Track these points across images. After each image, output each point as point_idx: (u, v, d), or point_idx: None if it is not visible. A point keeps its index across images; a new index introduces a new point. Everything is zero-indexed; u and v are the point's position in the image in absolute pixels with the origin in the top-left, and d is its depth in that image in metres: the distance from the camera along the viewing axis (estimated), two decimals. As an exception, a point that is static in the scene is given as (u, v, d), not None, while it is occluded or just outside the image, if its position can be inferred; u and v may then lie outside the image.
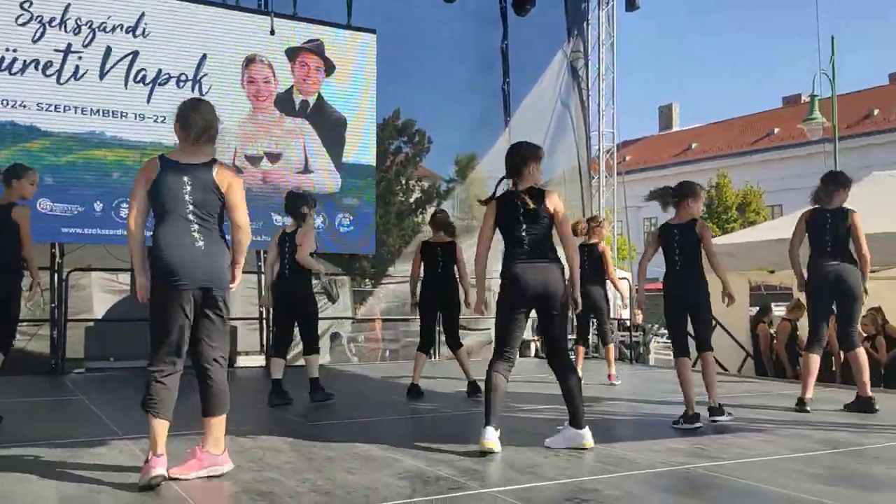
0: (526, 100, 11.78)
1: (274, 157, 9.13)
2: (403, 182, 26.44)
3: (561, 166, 11.91)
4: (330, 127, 9.48)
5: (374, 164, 10.13)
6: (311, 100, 9.38)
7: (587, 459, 3.92)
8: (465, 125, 12.37)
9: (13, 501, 3.01)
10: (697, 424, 4.76)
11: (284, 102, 9.22)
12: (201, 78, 8.63)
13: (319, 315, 6.28)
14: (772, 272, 10.39)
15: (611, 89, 11.91)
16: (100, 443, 4.09)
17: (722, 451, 4.14)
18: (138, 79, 8.31)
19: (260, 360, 9.00)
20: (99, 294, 9.71)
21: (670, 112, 42.78)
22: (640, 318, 4.49)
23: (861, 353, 5.60)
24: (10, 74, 7.70)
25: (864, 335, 8.06)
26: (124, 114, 8.21)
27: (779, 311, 11.49)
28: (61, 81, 7.93)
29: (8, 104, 7.68)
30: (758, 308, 10.75)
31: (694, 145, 37.48)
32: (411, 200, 26.92)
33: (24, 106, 7.75)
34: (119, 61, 8.21)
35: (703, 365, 5.06)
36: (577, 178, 12.00)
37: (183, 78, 8.54)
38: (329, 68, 9.46)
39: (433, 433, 4.88)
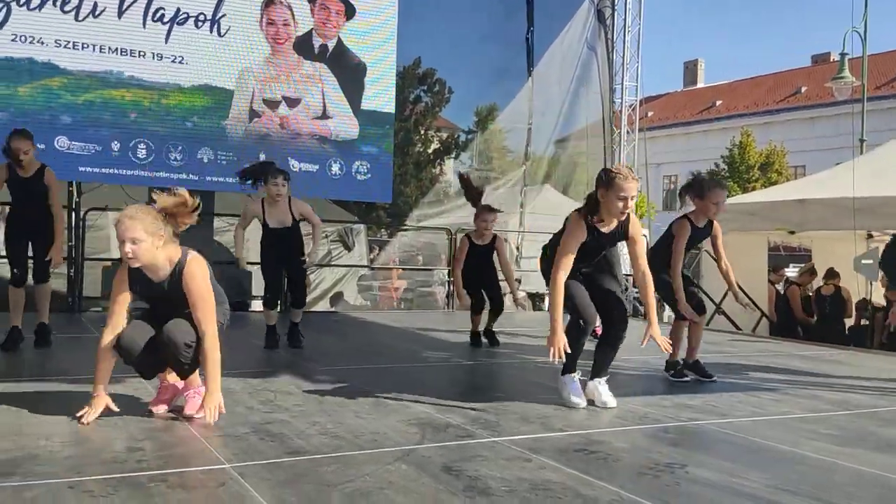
0: (550, 49, 11.56)
1: (292, 102, 9.04)
2: (422, 132, 26.28)
3: (584, 119, 11.74)
4: (349, 72, 9.36)
5: (394, 112, 10.02)
6: (331, 44, 9.24)
7: (598, 412, 3.92)
8: (486, 75, 12.20)
9: (30, 434, 3.05)
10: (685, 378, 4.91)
11: (303, 46, 9.09)
12: (220, 18, 8.52)
13: (335, 263, 6.25)
14: (792, 233, 10.28)
15: (636, 42, 11.66)
16: (114, 379, 4.12)
17: (733, 409, 4.13)
18: (156, 17, 8.21)
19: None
20: (115, 233, 9.77)
21: (695, 68, 41.96)
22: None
23: None
24: (29, 10, 7.62)
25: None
26: (142, 53, 8.14)
27: (793, 273, 11.41)
28: (79, 18, 7.84)
29: (26, 40, 7.62)
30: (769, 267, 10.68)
31: (718, 103, 36.83)
32: (429, 151, 26.78)
33: (43, 42, 7.69)
34: (137, -1, 8.11)
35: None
36: (600, 132, 11.83)
37: (202, 18, 8.43)
38: (350, 12, 9.30)
39: (445, 382, 4.90)
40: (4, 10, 7.55)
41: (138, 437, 3.12)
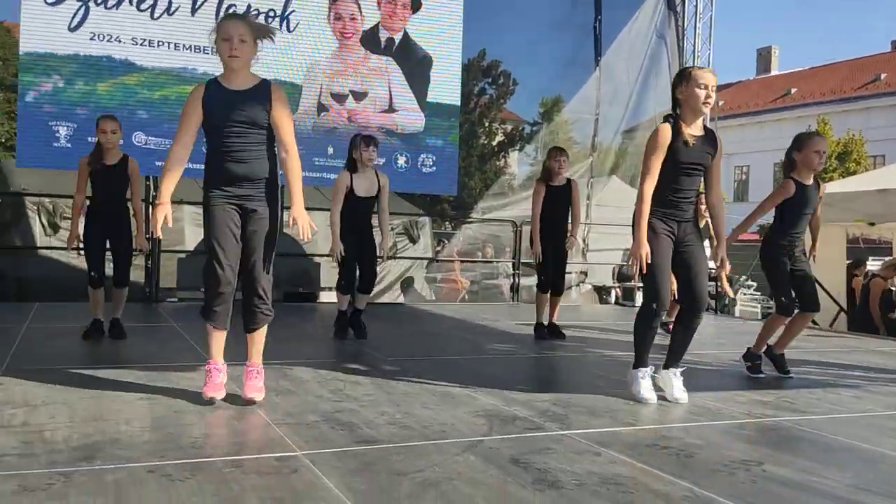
0: (618, 37, 11.36)
1: (359, 96, 9.13)
2: (486, 124, 26.21)
3: (653, 109, 11.50)
4: (415, 65, 9.39)
5: (459, 105, 10.02)
6: (397, 37, 9.29)
7: (669, 407, 3.85)
8: (552, 66, 12.07)
9: (109, 419, 3.16)
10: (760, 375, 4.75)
11: (370, 40, 9.16)
12: (289, 14, 8.66)
13: (400, 255, 6.32)
14: (872, 224, 9.91)
15: (708, 29, 11.37)
16: (189, 367, 4.26)
17: (810, 406, 4.00)
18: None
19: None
20: (190, 227, 10.05)
21: (769, 55, 40.72)
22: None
23: None
24: (106, 8, 7.88)
25: None
26: (215, 49, 8.31)
27: (875, 266, 10.97)
28: (155, 16, 8.08)
29: (104, 38, 7.88)
30: (851, 261, 10.31)
31: (793, 90, 35.66)
32: (494, 143, 26.71)
33: (120, 41, 7.95)
34: (210, -3, 8.30)
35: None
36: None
37: (271, 14, 8.58)
38: (416, 5, 9.33)
39: (511, 374, 4.88)
40: (83, 9, 7.82)
41: (214, 423, 3.20)
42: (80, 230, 5.33)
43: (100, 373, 4.10)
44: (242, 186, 3.50)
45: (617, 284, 11.86)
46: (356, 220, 5.78)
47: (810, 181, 4.70)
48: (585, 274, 11.52)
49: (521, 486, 2.52)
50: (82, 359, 4.64)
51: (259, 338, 3.65)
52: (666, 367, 4.01)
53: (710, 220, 4.16)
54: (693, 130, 3.82)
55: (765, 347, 4.88)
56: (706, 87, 3.71)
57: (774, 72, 39.85)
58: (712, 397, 4.07)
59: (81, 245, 5.30)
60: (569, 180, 6.30)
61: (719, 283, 9.22)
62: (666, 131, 3.79)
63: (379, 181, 5.84)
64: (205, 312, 3.56)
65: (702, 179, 3.98)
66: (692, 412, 3.74)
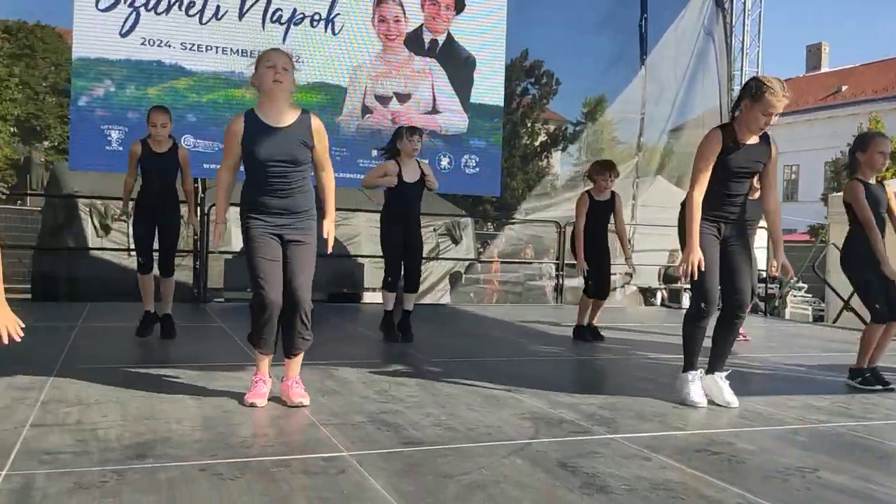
0: (665, 36, 11.20)
1: (403, 98, 9.16)
2: (529, 125, 26.08)
3: (700, 107, 11.33)
4: (458, 66, 9.39)
5: (503, 105, 9.99)
6: (441, 39, 9.30)
7: (719, 411, 3.78)
8: (596, 65, 11.97)
9: (160, 418, 3.21)
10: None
11: (414, 41, 9.19)
12: (334, 17, 8.72)
13: (443, 256, 6.32)
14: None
15: (756, 25, 11.16)
16: (237, 367, 4.31)
17: (866, 411, 3.89)
18: (274, 18, 8.49)
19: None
20: (237, 229, 10.19)
21: (819, 52, 39.79)
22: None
23: None
24: (157, 14, 8.04)
25: None
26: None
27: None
28: (203, 21, 8.21)
29: (154, 43, 8.04)
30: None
31: (844, 88, 34.81)
32: (536, 144, 26.57)
33: (170, 46, 8.09)
34: (256, 1, 8.41)
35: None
36: (717, 120, 11.38)
37: (317, 17, 8.66)
38: (459, 6, 9.33)
39: (556, 377, 4.85)
40: (134, 15, 7.98)
41: (262, 423, 3.24)
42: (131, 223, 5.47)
43: (150, 372, 4.18)
44: (282, 217, 3.54)
45: (663, 286, 11.71)
46: (403, 207, 5.80)
47: (873, 181, 4.58)
48: (631, 275, 11.38)
49: (570, 490, 2.49)
50: (133, 358, 4.73)
51: (299, 360, 3.67)
52: (710, 371, 3.94)
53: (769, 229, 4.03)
54: (746, 136, 3.74)
55: (869, 361, 4.60)
56: (770, 115, 3.60)
57: (825, 69, 38.94)
58: (763, 402, 3.98)
59: (132, 230, 5.45)
60: (613, 193, 6.26)
61: (776, 286, 9.02)
62: (716, 138, 3.71)
63: (422, 168, 5.85)
64: (253, 339, 3.61)
65: (752, 181, 3.91)
66: (743, 417, 3.67)
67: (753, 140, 3.76)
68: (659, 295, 11.72)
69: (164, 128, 5.31)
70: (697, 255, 3.64)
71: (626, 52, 11.41)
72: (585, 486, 2.53)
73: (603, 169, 6.17)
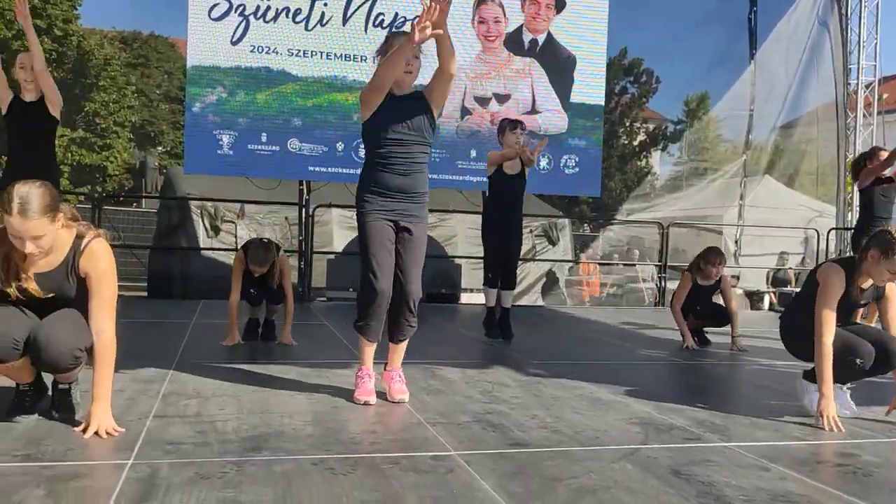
0: (776, 29, 10.76)
1: (502, 98, 9.14)
2: (627, 124, 25.59)
3: (814, 102, 10.83)
4: (559, 66, 9.29)
5: (603, 104, 9.83)
6: (541, 38, 9.23)
7: (840, 422, 3.59)
8: (700, 62, 11.68)
9: (274, 413, 3.31)
10: None
11: (514, 42, 9.15)
12: (434, 20, 8.78)
13: (539, 257, 6.26)
14: None
15: (874, 16, 10.58)
16: (342, 364, 4.41)
17: None
18: (377, 23, 8.62)
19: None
20: (338, 230, 10.44)
21: (942, 42, 37.43)
22: None
23: None
24: (265, 22, 8.30)
25: None
26: (363, 58, 8.58)
27: None
28: (309, 28, 8.43)
29: (262, 50, 8.31)
30: None
31: (970, 81, 32.59)
32: (635, 143, 26.01)
33: (277, 52, 8.34)
34: (360, 7, 8.57)
35: None
36: (832, 116, 10.83)
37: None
38: (560, 5, 9.24)
39: (662, 381, 4.73)
40: (244, 23, 8.28)
41: (370, 420, 3.29)
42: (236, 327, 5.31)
43: (262, 368, 4.32)
44: (400, 201, 3.57)
45: (771, 289, 11.26)
46: (504, 198, 5.83)
47: None
48: (737, 278, 10.99)
49: (685, 499, 2.42)
50: (246, 354, 4.90)
51: (403, 347, 3.73)
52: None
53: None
54: (864, 282, 3.58)
55: None
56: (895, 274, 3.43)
57: (948, 60, 36.55)
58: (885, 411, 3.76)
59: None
60: (721, 278, 6.04)
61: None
62: (840, 283, 3.53)
63: (522, 161, 5.85)
64: (359, 327, 3.65)
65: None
66: (868, 428, 3.48)
67: (869, 283, 3.60)
68: (767, 298, 11.29)
69: (262, 268, 5.11)
70: (832, 410, 3.43)
71: (733, 48, 11.02)
72: (701, 496, 2.45)
73: (715, 258, 5.94)
